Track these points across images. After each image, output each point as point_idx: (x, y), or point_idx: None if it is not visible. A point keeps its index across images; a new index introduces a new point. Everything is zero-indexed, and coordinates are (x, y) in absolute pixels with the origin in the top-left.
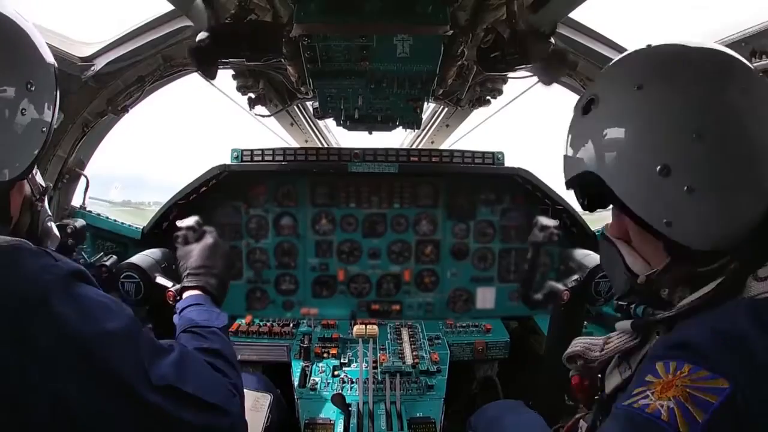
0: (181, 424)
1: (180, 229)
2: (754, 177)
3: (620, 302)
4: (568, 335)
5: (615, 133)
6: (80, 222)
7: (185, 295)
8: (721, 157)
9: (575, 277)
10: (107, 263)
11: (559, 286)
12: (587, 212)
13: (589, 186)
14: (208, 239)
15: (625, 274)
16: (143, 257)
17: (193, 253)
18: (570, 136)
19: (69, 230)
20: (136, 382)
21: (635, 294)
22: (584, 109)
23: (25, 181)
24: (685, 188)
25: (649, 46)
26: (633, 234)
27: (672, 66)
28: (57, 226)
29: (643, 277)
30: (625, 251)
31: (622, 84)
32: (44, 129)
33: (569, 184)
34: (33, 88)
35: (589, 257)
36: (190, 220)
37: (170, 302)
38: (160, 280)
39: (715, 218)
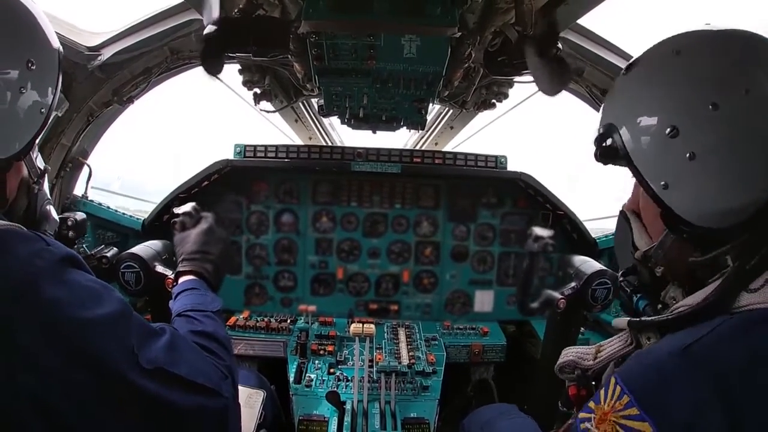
0: (173, 406)
1: (177, 215)
2: (759, 161)
3: (623, 283)
4: (563, 341)
5: (642, 90)
6: (81, 215)
7: (180, 280)
8: (731, 132)
9: (572, 284)
10: (108, 254)
11: (556, 294)
12: (599, 162)
13: (610, 140)
14: (204, 225)
15: (630, 249)
16: (144, 248)
17: (189, 239)
18: (608, 95)
19: (69, 223)
20: (124, 367)
21: (635, 273)
22: (627, 68)
23: (23, 163)
24: (688, 154)
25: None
26: (642, 204)
27: (712, 39)
28: (59, 219)
29: (641, 252)
30: (635, 225)
31: (664, 48)
32: (43, 110)
33: (596, 141)
34: (33, 68)
35: (587, 264)
36: (187, 206)
37: (169, 289)
38: (160, 268)
39: (712, 190)
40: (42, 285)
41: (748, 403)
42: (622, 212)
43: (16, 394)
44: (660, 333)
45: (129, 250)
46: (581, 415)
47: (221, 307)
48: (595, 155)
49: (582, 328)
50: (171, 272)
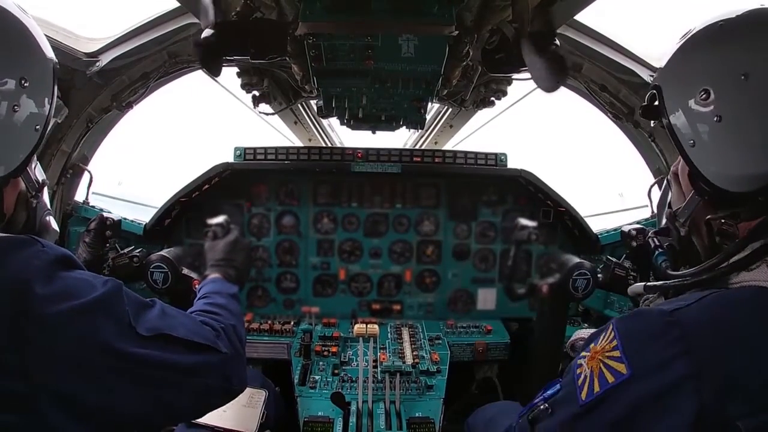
0: (178, 365)
1: (210, 225)
2: None
3: (652, 239)
4: (552, 331)
5: (686, 56)
6: (117, 216)
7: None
8: (757, 103)
9: (555, 276)
10: (138, 254)
11: (539, 281)
12: (644, 118)
13: (655, 100)
14: (231, 236)
15: (667, 210)
16: (172, 251)
17: (218, 247)
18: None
19: (108, 222)
20: (124, 342)
21: (668, 234)
22: (681, 38)
23: (20, 177)
24: (716, 117)
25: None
26: (680, 165)
27: (754, 15)
28: (98, 218)
29: (670, 211)
30: (674, 187)
31: (712, 21)
32: (38, 126)
33: (646, 100)
34: (27, 84)
35: (567, 257)
36: (220, 218)
37: (194, 289)
38: (187, 271)
39: (732, 154)
40: (37, 283)
41: (708, 363)
42: (667, 178)
43: (32, 386)
44: (664, 297)
45: (159, 253)
46: (582, 353)
47: (237, 291)
48: (641, 112)
49: (585, 324)
50: (196, 274)
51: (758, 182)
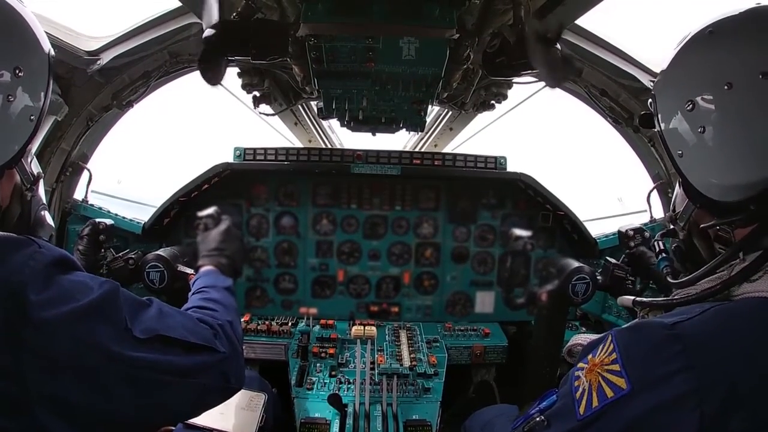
0: (175, 366)
1: (201, 218)
2: (762, 145)
3: (657, 242)
4: (551, 335)
5: (677, 65)
6: (110, 221)
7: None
8: (741, 113)
9: (555, 281)
10: (133, 257)
11: (537, 289)
12: (641, 126)
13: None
14: (223, 226)
15: (668, 213)
16: (167, 250)
17: (210, 238)
18: None
19: (101, 227)
20: (120, 345)
21: (675, 236)
22: (676, 46)
23: (14, 170)
24: (700, 128)
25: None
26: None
27: (740, 19)
28: (90, 225)
29: (670, 214)
30: (678, 190)
31: (702, 28)
32: (33, 117)
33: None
34: (22, 74)
35: (567, 262)
36: (210, 210)
37: (190, 285)
38: (182, 268)
39: (717, 164)
40: (33, 287)
41: (711, 378)
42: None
43: (26, 390)
44: (666, 311)
45: (154, 252)
46: (579, 364)
47: (231, 284)
48: (638, 120)
49: (583, 328)
50: (191, 270)
51: (745, 191)
